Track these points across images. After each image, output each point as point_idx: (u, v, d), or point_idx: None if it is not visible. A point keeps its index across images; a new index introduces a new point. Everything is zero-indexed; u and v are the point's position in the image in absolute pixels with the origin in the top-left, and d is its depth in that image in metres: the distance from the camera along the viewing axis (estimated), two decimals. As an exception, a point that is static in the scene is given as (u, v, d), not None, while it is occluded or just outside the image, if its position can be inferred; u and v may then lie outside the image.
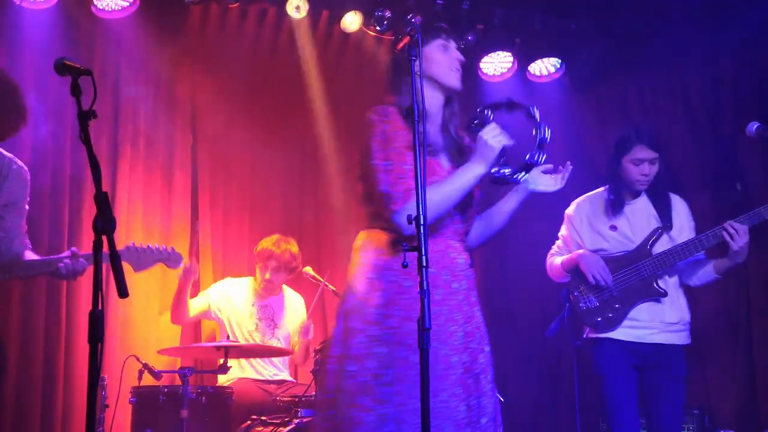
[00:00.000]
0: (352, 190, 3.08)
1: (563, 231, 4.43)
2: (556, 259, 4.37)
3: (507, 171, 3.01)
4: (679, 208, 4.30)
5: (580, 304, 4.18)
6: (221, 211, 5.88)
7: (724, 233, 3.99)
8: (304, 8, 5.66)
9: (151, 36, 5.52)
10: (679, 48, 5.81)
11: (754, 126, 4.06)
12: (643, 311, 4.11)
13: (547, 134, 3.00)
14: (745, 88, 5.67)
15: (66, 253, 3.44)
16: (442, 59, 3.06)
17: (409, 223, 2.50)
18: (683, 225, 4.25)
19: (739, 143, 5.55)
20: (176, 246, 5.41)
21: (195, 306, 5.19)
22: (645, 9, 5.59)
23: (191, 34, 5.72)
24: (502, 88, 6.39)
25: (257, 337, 5.20)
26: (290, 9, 5.65)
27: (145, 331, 5.32)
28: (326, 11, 5.89)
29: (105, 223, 2.36)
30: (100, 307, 2.32)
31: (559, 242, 4.45)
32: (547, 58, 6.28)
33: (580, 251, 4.22)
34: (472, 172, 2.91)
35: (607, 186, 4.32)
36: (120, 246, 3.47)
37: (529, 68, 6.31)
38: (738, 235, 3.97)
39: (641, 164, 4.17)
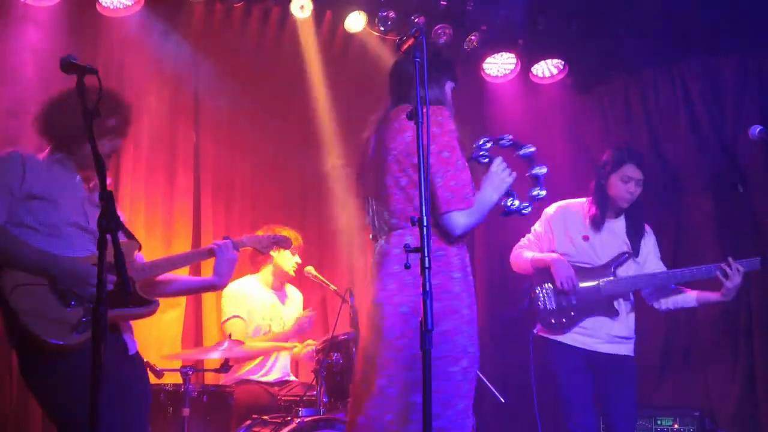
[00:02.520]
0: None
1: (538, 227, 4.56)
2: (526, 252, 4.52)
3: (515, 205, 3.19)
4: (648, 239, 4.47)
5: (539, 303, 4.37)
6: (223, 211, 5.88)
7: (719, 272, 4.17)
8: (308, 8, 5.67)
9: (155, 34, 5.52)
10: (680, 49, 5.82)
11: (756, 129, 4.12)
12: (591, 321, 4.31)
13: (544, 171, 3.23)
14: (746, 89, 5.67)
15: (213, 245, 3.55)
16: (450, 97, 3.23)
17: (413, 224, 2.52)
18: (649, 256, 4.43)
19: (741, 145, 5.55)
20: (178, 246, 5.51)
21: (236, 329, 5.07)
22: (647, 11, 5.59)
23: (195, 33, 5.72)
24: (505, 89, 6.40)
25: (271, 336, 5.19)
26: (294, 8, 5.66)
27: (147, 329, 5.30)
28: (330, 11, 5.90)
29: (109, 222, 2.38)
30: (103, 307, 2.33)
31: (530, 236, 4.58)
32: (550, 59, 6.28)
33: (554, 255, 4.38)
34: (491, 199, 3.09)
35: (591, 198, 4.46)
36: (242, 236, 3.72)
37: (532, 69, 6.31)
38: (734, 274, 4.15)
39: (629, 182, 4.33)
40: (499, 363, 5.96)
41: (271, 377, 5.14)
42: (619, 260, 4.34)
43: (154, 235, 5.41)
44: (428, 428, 2.41)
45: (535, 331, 4.41)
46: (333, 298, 5.60)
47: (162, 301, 5.36)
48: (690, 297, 4.36)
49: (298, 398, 4.53)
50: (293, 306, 5.41)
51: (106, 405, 2.73)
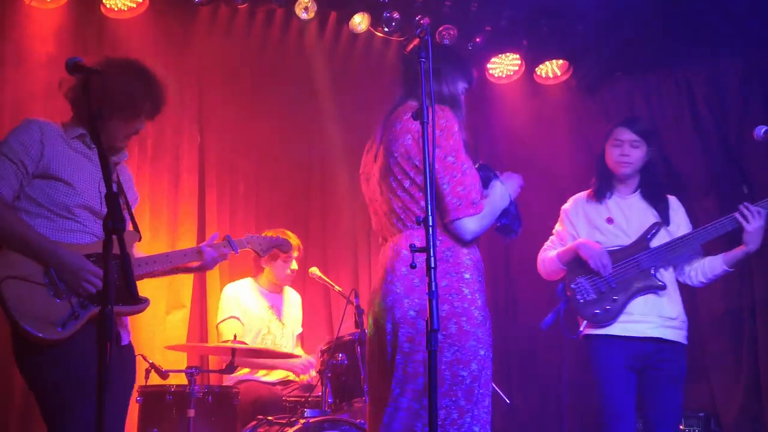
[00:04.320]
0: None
1: (558, 227, 4.40)
2: (550, 252, 4.31)
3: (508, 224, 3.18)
4: (676, 207, 4.28)
5: (578, 297, 4.12)
6: (228, 213, 5.88)
7: (738, 215, 3.98)
8: (312, 9, 5.69)
9: (159, 36, 5.54)
10: (684, 51, 5.81)
11: (762, 129, 4.07)
12: (639, 304, 4.04)
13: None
14: (750, 90, 5.67)
15: (203, 244, 3.56)
16: (462, 99, 3.17)
17: (418, 224, 2.52)
18: (680, 224, 4.22)
19: (745, 146, 5.54)
20: (183, 247, 5.51)
21: (231, 330, 5.06)
22: (650, 12, 5.58)
23: (199, 35, 5.73)
24: (509, 90, 6.40)
25: (270, 339, 5.20)
26: (298, 10, 5.67)
27: (152, 330, 5.32)
28: (334, 12, 5.91)
29: (115, 223, 2.38)
30: (109, 306, 2.33)
31: (553, 237, 4.41)
32: (554, 60, 6.28)
33: (578, 240, 4.17)
34: (504, 201, 3.09)
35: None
36: (243, 236, 3.73)
37: (536, 70, 6.31)
38: (753, 216, 3.95)
39: (621, 145, 4.17)
40: (503, 363, 5.96)
41: (273, 377, 5.15)
42: (651, 231, 4.11)
43: (159, 238, 5.40)
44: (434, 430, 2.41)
45: (581, 329, 4.13)
46: (338, 299, 5.60)
47: (167, 303, 5.45)
48: (716, 261, 4.11)
49: (303, 399, 4.53)
50: (291, 308, 5.41)
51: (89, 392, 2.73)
